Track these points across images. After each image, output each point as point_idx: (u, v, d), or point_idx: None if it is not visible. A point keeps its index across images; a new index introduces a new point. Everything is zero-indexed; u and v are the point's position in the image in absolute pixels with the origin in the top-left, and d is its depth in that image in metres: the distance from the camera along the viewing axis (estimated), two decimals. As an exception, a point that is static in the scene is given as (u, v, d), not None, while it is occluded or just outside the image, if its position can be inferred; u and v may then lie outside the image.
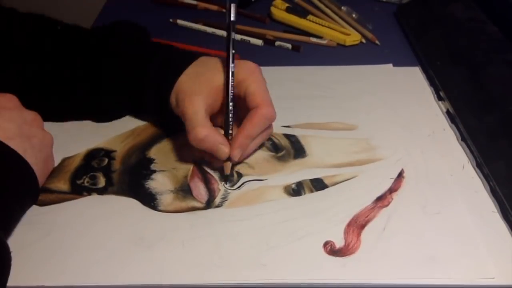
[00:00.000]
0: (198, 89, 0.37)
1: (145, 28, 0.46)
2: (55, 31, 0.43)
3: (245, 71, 0.38)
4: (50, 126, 0.43)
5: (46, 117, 0.40)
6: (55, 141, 0.41)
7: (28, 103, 0.38)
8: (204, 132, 0.36)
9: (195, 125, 0.36)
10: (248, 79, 0.37)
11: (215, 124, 0.39)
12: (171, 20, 0.61)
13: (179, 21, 0.60)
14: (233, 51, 0.38)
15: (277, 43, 0.56)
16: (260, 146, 0.40)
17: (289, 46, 0.56)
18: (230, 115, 0.38)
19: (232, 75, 0.37)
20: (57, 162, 0.40)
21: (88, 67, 0.42)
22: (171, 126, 0.42)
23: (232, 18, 0.38)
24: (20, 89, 0.40)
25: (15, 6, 0.44)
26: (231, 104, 0.37)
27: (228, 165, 0.37)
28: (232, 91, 0.37)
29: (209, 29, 0.59)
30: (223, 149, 0.36)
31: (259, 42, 0.56)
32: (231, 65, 0.37)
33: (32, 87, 0.42)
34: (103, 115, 0.44)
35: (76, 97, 0.42)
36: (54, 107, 0.43)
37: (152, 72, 0.40)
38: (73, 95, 0.42)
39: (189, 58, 0.40)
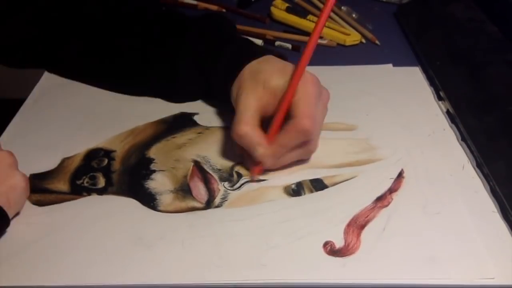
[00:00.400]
0: (254, 88, 0.38)
1: (234, 23, 0.48)
2: (159, 12, 0.48)
3: (303, 81, 0.37)
4: (50, 126, 0.44)
5: (125, 90, 0.47)
6: (55, 141, 0.42)
7: (109, 75, 0.46)
8: (244, 129, 0.36)
9: (240, 121, 0.37)
10: (301, 90, 0.37)
11: (265, 126, 0.38)
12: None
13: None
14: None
15: (277, 43, 0.56)
16: (300, 162, 0.39)
17: (289, 46, 0.56)
18: (280, 119, 0.37)
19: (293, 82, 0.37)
20: (56, 162, 0.40)
21: (171, 45, 0.45)
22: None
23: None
24: (107, 61, 0.46)
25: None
26: (283, 111, 0.37)
27: (256, 172, 0.38)
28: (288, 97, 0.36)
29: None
30: (259, 150, 0.36)
31: (259, 42, 0.57)
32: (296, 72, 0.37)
33: (117, 61, 0.47)
34: (177, 93, 0.47)
35: (155, 71, 0.46)
36: (133, 80, 0.47)
37: (223, 60, 0.42)
38: (152, 70, 0.46)
39: (256, 53, 0.41)
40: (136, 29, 0.47)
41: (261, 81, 0.38)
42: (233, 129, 0.37)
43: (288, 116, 0.37)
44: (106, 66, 0.48)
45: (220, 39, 0.44)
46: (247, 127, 0.36)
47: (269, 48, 0.45)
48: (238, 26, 0.51)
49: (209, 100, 0.47)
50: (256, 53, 0.41)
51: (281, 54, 0.43)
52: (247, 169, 0.39)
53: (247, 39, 0.46)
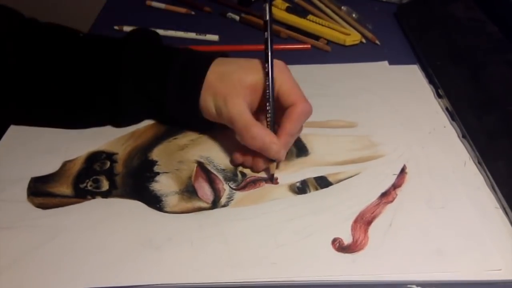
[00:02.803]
0: (234, 91, 0.39)
1: (157, 33, 0.46)
2: (76, 40, 0.45)
3: (275, 70, 0.39)
4: (50, 128, 0.45)
5: (67, 125, 0.45)
6: (55, 144, 0.43)
7: (48, 114, 0.43)
8: (254, 130, 0.38)
9: (246, 125, 0.38)
10: (279, 78, 0.39)
11: None
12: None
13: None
14: (270, 51, 0.39)
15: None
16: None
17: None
18: (272, 115, 0.39)
19: (272, 75, 0.39)
20: (58, 165, 0.41)
21: (107, 77, 0.43)
22: (174, 126, 0.44)
23: (267, 18, 0.40)
24: (42, 100, 0.43)
25: (16, 7, 0.46)
26: (271, 103, 0.39)
27: (273, 166, 0.39)
28: (272, 91, 0.39)
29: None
30: (274, 147, 0.38)
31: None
32: (269, 64, 0.39)
33: (54, 99, 0.44)
34: (122, 122, 0.45)
35: (96, 109, 0.44)
36: (74, 117, 0.45)
37: (175, 75, 0.41)
38: (93, 106, 0.44)
39: (206, 59, 0.41)
40: (61, 64, 0.44)
41: (236, 82, 0.39)
42: (241, 135, 0.38)
43: (277, 106, 0.39)
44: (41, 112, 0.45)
45: (161, 54, 0.43)
46: (255, 128, 0.38)
47: (211, 52, 0.45)
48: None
49: (160, 119, 0.45)
50: (205, 58, 0.41)
51: (224, 53, 0.43)
52: (253, 170, 0.41)
53: (186, 47, 0.44)
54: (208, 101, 0.40)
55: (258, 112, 0.41)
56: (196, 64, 0.41)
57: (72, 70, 0.43)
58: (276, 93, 0.39)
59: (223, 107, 0.39)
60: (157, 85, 0.42)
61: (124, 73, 0.42)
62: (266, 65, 0.39)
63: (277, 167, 0.40)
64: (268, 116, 0.39)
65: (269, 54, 0.39)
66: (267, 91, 0.39)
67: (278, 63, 0.40)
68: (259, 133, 0.38)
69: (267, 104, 0.39)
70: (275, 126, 0.40)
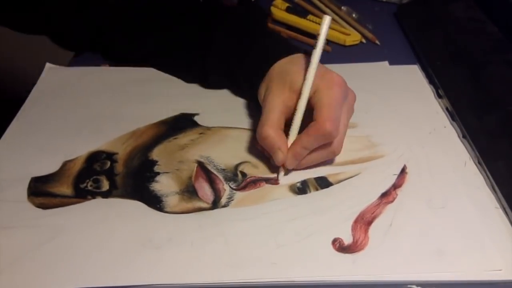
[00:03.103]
0: (281, 89, 0.40)
1: (265, 13, 0.52)
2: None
3: (324, 83, 0.38)
4: (50, 128, 0.45)
5: (161, 67, 0.53)
6: (55, 143, 0.43)
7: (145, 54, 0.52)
8: (267, 132, 0.38)
9: (264, 123, 0.39)
10: (322, 92, 0.38)
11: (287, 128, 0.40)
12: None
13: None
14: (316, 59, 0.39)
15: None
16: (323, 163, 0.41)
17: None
18: (296, 122, 0.39)
19: (308, 85, 0.38)
20: (58, 165, 0.41)
21: (202, 35, 0.49)
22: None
23: (323, 36, 0.39)
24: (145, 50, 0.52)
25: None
26: (299, 112, 0.39)
27: (281, 169, 0.40)
28: (305, 100, 0.39)
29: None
30: (279, 155, 0.38)
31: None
32: (310, 70, 0.39)
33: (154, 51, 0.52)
34: (206, 79, 0.50)
35: (187, 60, 0.50)
36: (169, 65, 0.52)
37: (251, 58, 0.45)
38: (189, 64, 0.50)
39: (282, 53, 0.43)
40: (172, 18, 0.51)
41: (287, 83, 0.40)
42: (257, 130, 0.39)
43: (311, 118, 0.38)
44: (145, 45, 0.52)
45: (250, 35, 0.47)
46: (271, 130, 0.38)
47: (296, 45, 0.46)
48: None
49: (237, 93, 0.50)
50: (283, 52, 0.43)
51: (307, 51, 0.43)
52: (251, 169, 0.40)
53: (277, 34, 0.48)
54: (262, 89, 0.43)
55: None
56: (269, 54, 0.44)
57: (180, 27, 0.50)
58: (313, 104, 0.38)
59: (264, 98, 0.41)
60: (236, 60, 0.47)
61: (214, 45, 0.48)
62: (306, 72, 0.39)
63: (285, 174, 0.40)
64: (296, 125, 0.39)
65: (313, 62, 0.39)
66: (304, 100, 0.39)
67: (331, 76, 0.39)
68: (271, 135, 0.38)
69: (295, 111, 0.39)
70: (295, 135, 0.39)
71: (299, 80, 0.39)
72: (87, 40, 0.55)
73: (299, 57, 0.42)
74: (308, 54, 0.41)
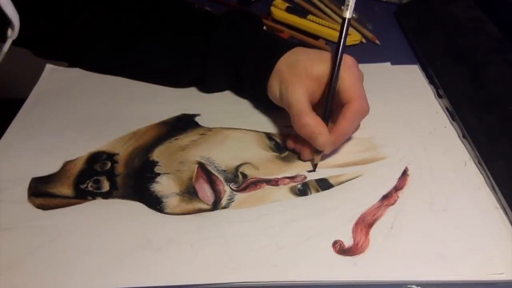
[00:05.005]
0: (298, 78, 0.40)
1: (259, 18, 0.50)
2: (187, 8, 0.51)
3: (342, 65, 0.39)
4: (50, 128, 0.44)
5: (156, 80, 0.50)
6: (56, 144, 0.43)
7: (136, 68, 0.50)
8: (305, 119, 0.38)
9: (300, 112, 0.39)
10: (342, 73, 0.39)
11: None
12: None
13: None
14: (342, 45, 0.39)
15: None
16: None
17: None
18: (329, 106, 0.39)
19: (337, 68, 0.39)
20: (58, 165, 0.41)
21: (200, 44, 0.48)
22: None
23: (348, 16, 0.39)
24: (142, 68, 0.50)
25: None
26: (330, 96, 0.39)
27: (318, 157, 0.40)
28: (334, 83, 0.39)
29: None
30: (321, 139, 0.38)
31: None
32: (338, 58, 0.39)
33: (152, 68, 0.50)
34: (205, 84, 0.49)
35: (189, 69, 0.49)
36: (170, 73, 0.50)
37: (254, 54, 0.44)
38: (187, 66, 0.49)
39: (285, 47, 0.43)
40: (165, 24, 0.49)
41: (302, 71, 0.40)
42: (294, 121, 0.39)
43: (337, 101, 0.39)
44: (133, 59, 0.50)
45: (250, 33, 0.46)
46: (308, 117, 0.38)
47: (294, 41, 0.47)
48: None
49: (237, 94, 0.49)
50: (285, 47, 0.43)
51: (304, 44, 0.44)
52: (252, 170, 0.40)
53: (274, 34, 0.48)
54: (274, 86, 0.42)
55: (319, 104, 0.41)
56: (273, 50, 0.43)
57: (170, 32, 0.49)
58: (337, 88, 0.39)
59: (284, 92, 0.40)
60: (241, 61, 0.46)
61: (214, 45, 0.47)
62: (335, 58, 0.39)
63: (321, 159, 0.40)
64: (326, 107, 0.39)
65: (340, 48, 0.39)
66: (333, 83, 0.39)
67: (347, 59, 0.40)
68: (309, 122, 0.38)
69: (327, 95, 0.39)
70: (329, 118, 0.40)
71: (314, 66, 0.40)
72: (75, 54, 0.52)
73: (300, 49, 0.43)
74: (305, 44, 0.42)
